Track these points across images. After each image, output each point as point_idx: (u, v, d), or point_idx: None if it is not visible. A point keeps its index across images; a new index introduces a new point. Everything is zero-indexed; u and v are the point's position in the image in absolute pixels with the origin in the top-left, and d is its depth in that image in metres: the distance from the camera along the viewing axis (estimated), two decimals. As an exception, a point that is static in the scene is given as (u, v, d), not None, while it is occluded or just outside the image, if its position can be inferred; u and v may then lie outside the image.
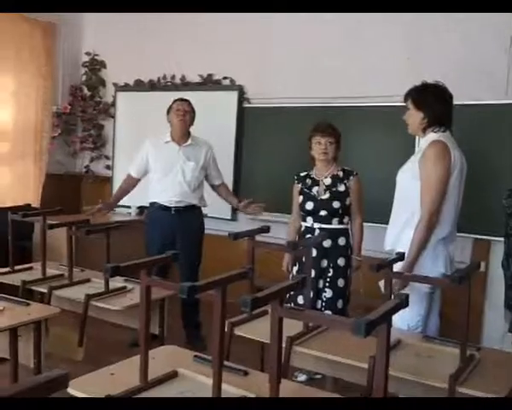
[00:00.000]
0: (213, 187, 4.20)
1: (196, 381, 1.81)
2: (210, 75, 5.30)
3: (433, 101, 2.62)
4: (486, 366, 2.04)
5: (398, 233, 2.69)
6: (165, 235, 3.91)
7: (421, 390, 1.99)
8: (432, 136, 2.63)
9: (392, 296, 2.14)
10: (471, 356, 2.07)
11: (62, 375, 0.91)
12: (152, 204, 4.03)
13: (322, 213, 3.31)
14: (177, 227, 3.93)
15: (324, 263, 3.29)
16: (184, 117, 3.94)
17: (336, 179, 3.35)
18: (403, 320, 2.56)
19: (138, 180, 4.12)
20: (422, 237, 2.56)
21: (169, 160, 3.94)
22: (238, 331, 2.34)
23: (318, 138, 3.33)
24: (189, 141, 3.99)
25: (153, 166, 4.00)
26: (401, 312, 1.56)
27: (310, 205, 3.35)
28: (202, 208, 4.10)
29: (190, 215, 3.99)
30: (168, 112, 4.00)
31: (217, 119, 5.09)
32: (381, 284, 2.29)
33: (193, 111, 4.01)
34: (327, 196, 3.32)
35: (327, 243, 3.25)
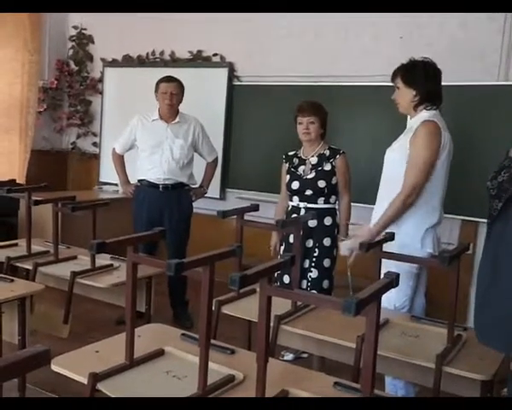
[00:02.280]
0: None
1: (183, 359, 1.80)
2: (200, 52, 5.22)
3: (423, 77, 2.59)
4: (473, 346, 2.04)
5: None
6: (153, 212, 3.88)
7: (409, 370, 2.00)
8: (424, 114, 2.60)
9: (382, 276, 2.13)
10: (458, 336, 2.08)
11: (44, 350, 0.88)
12: (140, 181, 3.99)
13: (308, 192, 3.29)
14: (165, 205, 3.90)
15: (310, 243, 3.27)
16: (171, 101, 3.86)
17: (322, 158, 3.32)
18: (389, 300, 2.55)
19: (122, 157, 4.12)
20: (396, 211, 2.54)
21: (157, 137, 3.89)
22: (225, 310, 2.33)
23: (300, 118, 3.32)
24: (177, 119, 3.94)
25: (140, 144, 3.96)
26: (387, 292, 1.55)
27: (295, 184, 3.32)
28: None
29: (179, 193, 3.96)
30: (156, 89, 3.94)
31: (206, 96, 5.04)
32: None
33: (181, 91, 3.93)
34: (312, 175, 3.30)
35: (312, 223, 3.23)
